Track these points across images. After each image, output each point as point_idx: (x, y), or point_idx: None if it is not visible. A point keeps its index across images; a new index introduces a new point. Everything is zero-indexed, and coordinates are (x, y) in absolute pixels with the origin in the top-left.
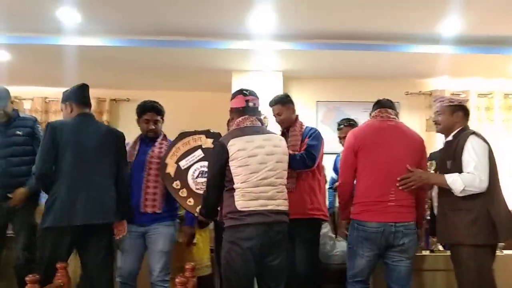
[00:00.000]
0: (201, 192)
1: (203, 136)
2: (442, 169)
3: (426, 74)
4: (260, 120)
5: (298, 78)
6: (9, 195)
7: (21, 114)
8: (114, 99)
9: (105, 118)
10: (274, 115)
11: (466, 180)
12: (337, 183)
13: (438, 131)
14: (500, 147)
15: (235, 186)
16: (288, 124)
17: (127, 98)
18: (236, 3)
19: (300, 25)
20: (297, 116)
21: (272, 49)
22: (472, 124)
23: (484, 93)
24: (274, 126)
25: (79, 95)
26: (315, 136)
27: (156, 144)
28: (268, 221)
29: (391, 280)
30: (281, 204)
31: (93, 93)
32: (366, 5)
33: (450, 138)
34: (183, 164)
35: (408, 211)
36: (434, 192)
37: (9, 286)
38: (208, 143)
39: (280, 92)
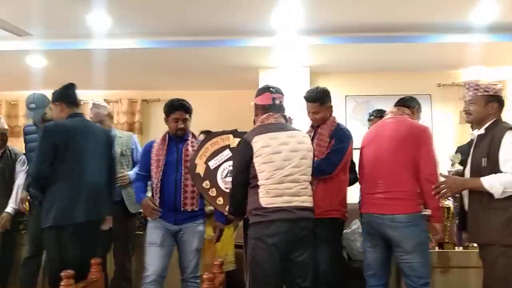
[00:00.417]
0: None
1: (230, 136)
2: (476, 167)
3: (458, 65)
4: (285, 117)
5: (325, 73)
6: None
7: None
8: (146, 100)
9: (137, 118)
10: (308, 110)
11: (505, 181)
12: None
13: (468, 122)
14: None
15: (259, 182)
16: (320, 123)
17: (158, 99)
18: (261, 0)
19: (327, 19)
20: (330, 114)
21: (298, 44)
22: (507, 116)
23: None
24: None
25: (68, 95)
26: (341, 139)
27: (188, 142)
28: (293, 218)
29: (403, 275)
30: (306, 200)
31: (124, 94)
32: None
33: (482, 131)
34: (212, 164)
35: (398, 203)
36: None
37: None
38: (236, 142)
39: (307, 87)
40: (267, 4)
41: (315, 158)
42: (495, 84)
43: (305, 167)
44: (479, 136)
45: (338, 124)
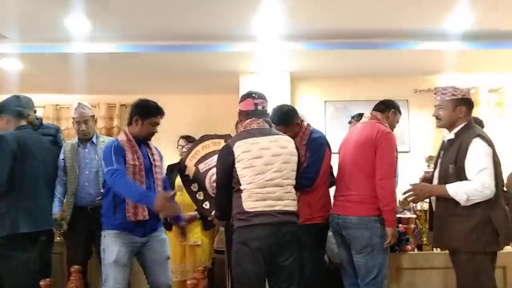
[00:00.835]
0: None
1: (222, 141)
2: (444, 172)
3: (434, 71)
4: (268, 122)
5: (305, 78)
6: None
7: (44, 123)
8: (124, 105)
9: (115, 123)
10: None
11: (468, 190)
12: None
13: (439, 127)
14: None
15: (242, 187)
16: (293, 136)
17: None
18: (242, 6)
19: (306, 25)
20: (300, 122)
21: (279, 49)
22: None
23: (494, 88)
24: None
25: (14, 108)
26: (314, 150)
27: (152, 148)
28: (276, 222)
29: None
30: (289, 204)
31: (103, 98)
32: (372, 4)
33: (451, 136)
34: (202, 167)
35: (352, 205)
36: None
37: None
38: None
39: (287, 92)
40: (248, 10)
41: None
42: (464, 88)
43: (287, 171)
44: (449, 141)
45: (312, 133)
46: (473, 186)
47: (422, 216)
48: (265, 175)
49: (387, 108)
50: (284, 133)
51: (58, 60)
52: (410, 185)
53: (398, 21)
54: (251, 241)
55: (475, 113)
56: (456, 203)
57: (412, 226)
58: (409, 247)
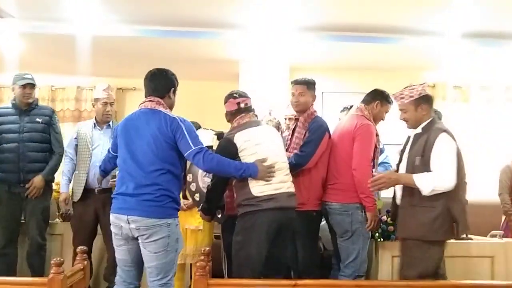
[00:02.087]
0: (206, 190)
1: (215, 138)
2: (410, 165)
3: (430, 66)
4: (256, 116)
5: (304, 69)
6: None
7: (39, 104)
8: (121, 88)
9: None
10: (293, 93)
11: (433, 181)
12: None
13: (410, 128)
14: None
15: None
16: (302, 108)
17: (134, 87)
18: None
19: (307, 17)
20: (311, 105)
21: (279, 40)
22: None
23: (485, 86)
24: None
25: None
26: (313, 130)
27: None
28: (282, 206)
29: None
30: (291, 186)
31: (99, 81)
32: None
33: (419, 130)
34: None
35: (336, 193)
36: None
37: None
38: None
39: (286, 82)
40: None
41: (294, 150)
42: (418, 86)
43: (282, 155)
44: (416, 135)
45: (316, 117)
46: (437, 178)
47: None
48: (269, 160)
49: (372, 100)
50: (302, 94)
51: (57, 41)
52: (376, 173)
53: (396, 17)
54: (259, 225)
55: None
56: (420, 194)
57: None
58: None
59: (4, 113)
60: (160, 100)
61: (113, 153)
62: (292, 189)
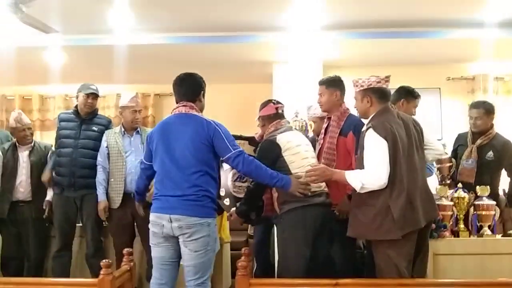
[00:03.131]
0: (237, 194)
1: (246, 143)
2: (356, 162)
3: (467, 59)
4: (288, 122)
5: (338, 67)
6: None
7: (99, 114)
8: (158, 94)
9: (150, 112)
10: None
11: (363, 177)
12: None
13: (360, 117)
14: None
15: (292, 172)
16: (327, 108)
17: (170, 93)
18: None
19: (341, 15)
20: (341, 103)
21: (313, 39)
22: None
23: None
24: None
25: None
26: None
27: None
28: (325, 202)
29: None
30: (323, 185)
31: (137, 88)
32: None
33: (365, 127)
34: (225, 165)
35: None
36: None
37: (83, 274)
38: (250, 150)
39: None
40: (284, 0)
41: (327, 150)
42: (375, 77)
43: (315, 157)
44: (363, 131)
45: (351, 115)
46: (368, 175)
47: (459, 203)
48: (308, 160)
49: (397, 99)
50: (322, 95)
51: (98, 51)
52: (311, 165)
53: (431, 10)
54: (307, 220)
55: None
56: (362, 194)
57: (449, 212)
58: (446, 233)
59: (66, 118)
60: (192, 104)
61: (146, 163)
62: (326, 189)
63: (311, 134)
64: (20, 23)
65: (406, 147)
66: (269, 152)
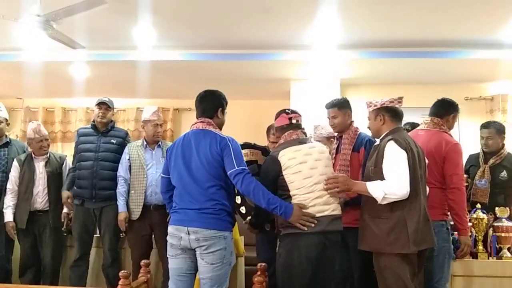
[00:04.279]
0: (251, 203)
1: (259, 152)
2: (366, 176)
3: (486, 79)
4: (305, 133)
5: (355, 85)
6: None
7: (116, 126)
8: (177, 109)
9: (169, 126)
10: (328, 117)
11: (386, 187)
12: None
13: (372, 137)
14: None
15: (291, 193)
16: (341, 129)
17: (189, 108)
18: (298, 16)
19: (360, 34)
20: (351, 122)
21: (331, 58)
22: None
23: None
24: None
25: None
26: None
27: None
28: (324, 230)
29: None
30: (336, 208)
31: (157, 103)
32: (427, 13)
33: (377, 142)
34: None
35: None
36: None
37: (98, 284)
38: (264, 160)
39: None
40: (302, 20)
41: (340, 167)
42: (388, 98)
43: (329, 174)
44: (374, 146)
45: (360, 133)
46: (387, 185)
47: (478, 224)
48: (313, 179)
49: (446, 113)
50: (335, 118)
51: (121, 67)
52: (333, 173)
53: (452, 31)
54: (301, 248)
55: None
56: (377, 206)
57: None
58: None
59: (85, 133)
60: (210, 120)
61: (166, 176)
62: (337, 211)
63: None
64: (48, 38)
65: (418, 165)
66: (269, 169)
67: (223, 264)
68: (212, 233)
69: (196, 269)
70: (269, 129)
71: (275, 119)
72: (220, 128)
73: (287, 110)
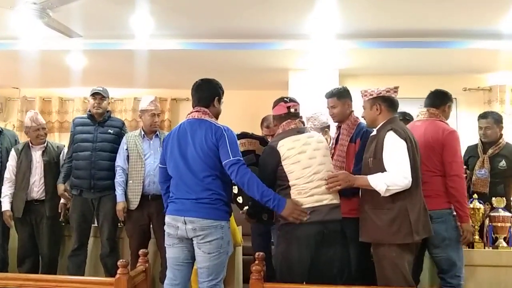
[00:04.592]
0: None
1: (257, 142)
2: (365, 167)
3: (485, 69)
4: (303, 122)
5: (354, 75)
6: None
7: (112, 116)
8: (175, 99)
9: (166, 116)
10: (327, 107)
11: (387, 179)
12: None
13: (367, 126)
14: None
15: (290, 183)
16: (340, 119)
17: (187, 98)
18: (296, 5)
19: (359, 24)
20: (351, 111)
21: (330, 48)
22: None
23: None
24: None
25: None
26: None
27: None
28: (323, 220)
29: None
30: (334, 197)
31: (154, 92)
32: (426, 3)
33: (374, 132)
34: None
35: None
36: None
37: (96, 273)
38: (261, 150)
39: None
40: (301, 9)
41: (336, 157)
42: (385, 87)
43: (328, 164)
44: (371, 137)
45: (360, 123)
46: (392, 176)
47: (474, 214)
48: (312, 168)
49: (441, 103)
50: (334, 108)
51: (118, 56)
52: (332, 172)
53: (451, 21)
54: (299, 238)
55: None
56: (378, 198)
57: None
58: None
59: (81, 123)
60: (206, 109)
61: (163, 166)
62: (335, 200)
63: None
64: (44, 27)
65: (417, 154)
66: (268, 160)
67: (220, 254)
68: (208, 223)
69: (193, 258)
70: (263, 121)
71: (273, 107)
72: (217, 118)
73: (285, 99)
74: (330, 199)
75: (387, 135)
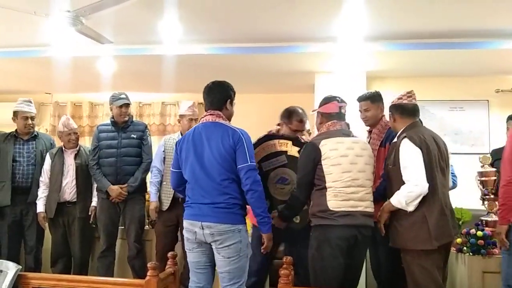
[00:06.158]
0: (278, 196)
1: (290, 143)
2: (387, 174)
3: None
4: (348, 125)
5: (381, 78)
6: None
7: (134, 120)
8: (201, 103)
9: None
10: (360, 110)
11: (401, 194)
12: None
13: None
14: None
15: (327, 185)
16: (373, 122)
17: None
18: (323, 8)
19: (387, 25)
20: (383, 116)
21: (357, 50)
22: None
23: None
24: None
25: None
26: None
27: None
28: (357, 224)
29: None
30: (369, 206)
31: (182, 97)
32: (455, 3)
33: (395, 139)
34: (266, 166)
35: None
36: None
37: (124, 275)
38: (294, 151)
39: (362, 92)
40: (328, 12)
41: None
42: (398, 95)
43: (368, 172)
44: (392, 144)
45: (390, 128)
46: (402, 190)
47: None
48: (351, 174)
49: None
50: (367, 111)
51: (147, 61)
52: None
53: (482, 20)
54: (333, 240)
55: None
56: None
57: None
58: (495, 250)
59: (104, 130)
60: (219, 112)
61: (176, 170)
62: (370, 209)
63: None
64: (77, 34)
65: (438, 160)
66: (308, 157)
67: (240, 257)
68: (226, 227)
69: (214, 261)
70: (290, 114)
71: (322, 104)
72: (229, 120)
73: (337, 98)
74: (365, 206)
75: (402, 142)
